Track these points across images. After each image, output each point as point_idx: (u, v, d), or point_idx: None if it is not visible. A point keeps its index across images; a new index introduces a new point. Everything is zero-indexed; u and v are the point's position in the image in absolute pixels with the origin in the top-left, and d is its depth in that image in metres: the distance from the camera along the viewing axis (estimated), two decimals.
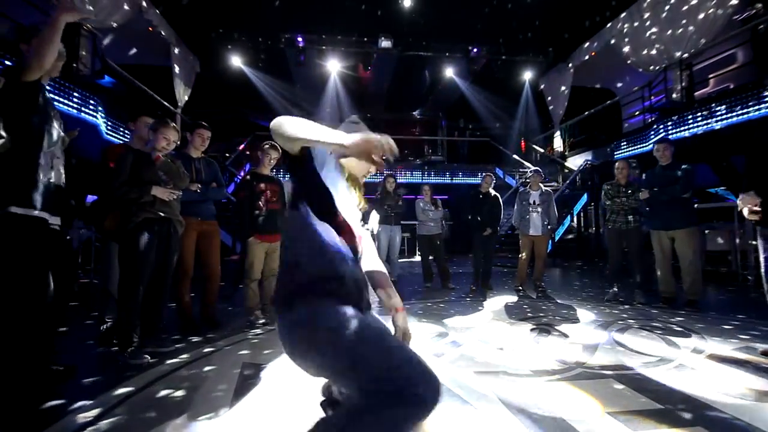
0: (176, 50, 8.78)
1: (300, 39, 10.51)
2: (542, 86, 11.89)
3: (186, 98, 9.42)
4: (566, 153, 11.00)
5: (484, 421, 1.57)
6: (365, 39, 10.90)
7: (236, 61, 11.10)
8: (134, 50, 8.56)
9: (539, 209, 4.66)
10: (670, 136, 6.67)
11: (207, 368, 2.18)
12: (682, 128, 6.45)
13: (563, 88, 10.83)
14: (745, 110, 5.50)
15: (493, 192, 5.08)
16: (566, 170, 10.27)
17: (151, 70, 8.78)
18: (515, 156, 12.14)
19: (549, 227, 4.74)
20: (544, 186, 4.95)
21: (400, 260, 5.91)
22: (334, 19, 10.12)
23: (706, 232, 6.25)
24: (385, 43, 10.62)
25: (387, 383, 0.91)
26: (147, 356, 2.28)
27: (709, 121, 5.99)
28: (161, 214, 2.45)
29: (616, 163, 4.38)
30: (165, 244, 2.49)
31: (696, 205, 3.89)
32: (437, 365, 2.22)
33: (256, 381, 1.99)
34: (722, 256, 6.18)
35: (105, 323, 2.68)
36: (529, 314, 3.60)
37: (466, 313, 3.65)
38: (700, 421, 1.54)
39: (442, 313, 3.63)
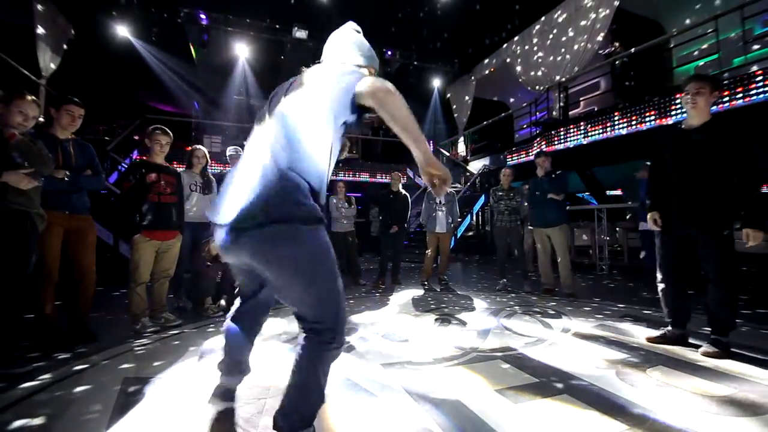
0: (40, 7, 7.25)
1: (203, 16, 9.57)
2: (449, 95, 12.79)
3: (53, 67, 7.85)
4: (468, 157, 12.00)
5: (388, 410, 1.62)
6: (277, 26, 10.41)
7: (122, 31, 9.64)
8: None
9: (444, 209, 5.01)
10: (548, 149, 7.74)
11: (76, 389, 1.85)
12: (559, 142, 7.54)
13: (467, 98, 11.80)
14: (603, 130, 6.67)
15: (403, 191, 5.31)
16: (468, 173, 11.20)
17: (5, 27, 7.12)
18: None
19: (452, 225, 5.12)
20: (449, 188, 5.33)
21: None
22: (244, 0, 9.45)
23: (574, 230, 7.43)
24: (300, 34, 10.30)
25: (328, 325, 1.18)
26: None
27: (578, 137, 7.12)
28: (14, 205, 2.01)
29: (502, 170, 4.97)
30: (19, 243, 2.05)
31: (567, 207, 4.54)
32: (345, 361, 2.24)
33: (140, 397, 1.76)
34: (585, 250, 7.44)
35: None
36: (432, 306, 3.85)
37: (375, 308, 3.74)
38: (566, 389, 1.82)
39: (353, 309, 3.66)
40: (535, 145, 8.32)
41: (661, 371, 2.05)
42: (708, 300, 2.33)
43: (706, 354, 2.25)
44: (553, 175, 4.32)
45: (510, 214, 4.72)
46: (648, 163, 2.93)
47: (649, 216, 2.60)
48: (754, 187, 2.21)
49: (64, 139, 2.62)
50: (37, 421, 1.54)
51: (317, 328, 1.18)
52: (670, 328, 2.54)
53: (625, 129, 6.24)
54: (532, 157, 8.47)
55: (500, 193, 4.82)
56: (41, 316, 2.49)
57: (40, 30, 7.31)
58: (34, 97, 2.17)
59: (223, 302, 3.56)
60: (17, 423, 1.52)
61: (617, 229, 7.32)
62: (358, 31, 1.46)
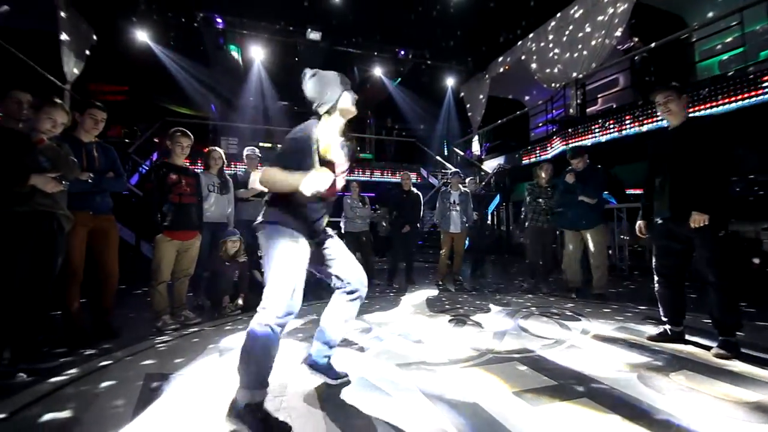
0: (63, 14, 7.50)
1: (219, 20, 9.73)
2: (462, 93, 12.67)
3: (77, 72, 8.11)
4: (483, 156, 11.87)
5: (404, 410, 1.62)
6: (291, 28, 10.50)
7: (142, 36, 9.89)
8: (5, 7, 7.10)
9: (458, 208, 4.97)
10: (565, 146, 7.60)
11: (101, 383, 1.91)
12: (576, 139, 7.39)
13: (481, 96, 11.67)
14: (623, 128, 6.51)
15: (414, 190, 5.30)
16: (482, 172, 11.09)
17: (31, 35, 7.38)
18: (438, 157, 12.77)
19: (467, 225, 5.08)
20: (463, 187, 5.29)
21: None
22: (258, 3, 9.56)
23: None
24: (314, 35, 10.35)
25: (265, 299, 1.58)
26: (22, 374, 1.93)
27: (597, 135, 6.96)
28: (41, 207, 2.09)
29: (541, 164, 4.70)
30: (46, 244, 2.12)
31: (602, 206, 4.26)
32: (361, 361, 2.25)
33: (162, 392, 1.80)
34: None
35: None
36: (447, 306, 3.82)
37: (388, 308, 3.74)
38: (586, 393, 1.79)
39: (366, 309, 3.67)
40: (553, 146, 8.18)
41: (686, 375, 1.99)
42: (710, 303, 2.36)
43: (717, 356, 2.25)
44: (589, 173, 4.08)
45: (546, 214, 4.51)
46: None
47: (638, 224, 2.75)
48: (721, 181, 2.34)
49: (88, 142, 2.71)
50: (65, 414, 1.60)
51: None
52: (668, 326, 2.61)
53: (646, 126, 6.08)
54: (547, 156, 8.38)
55: (537, 191, 4.60)
56: (67, 313, 2.58)
57: (64, 36, 7.57)
58: (63, 104, 2.25)
59: (240, 301, 3.61)
60: (46, 416, 1.58)
61: None
62: (314, 75, 1.81)
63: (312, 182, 1.47)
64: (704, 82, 5.57)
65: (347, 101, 1.82)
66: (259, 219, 1.69)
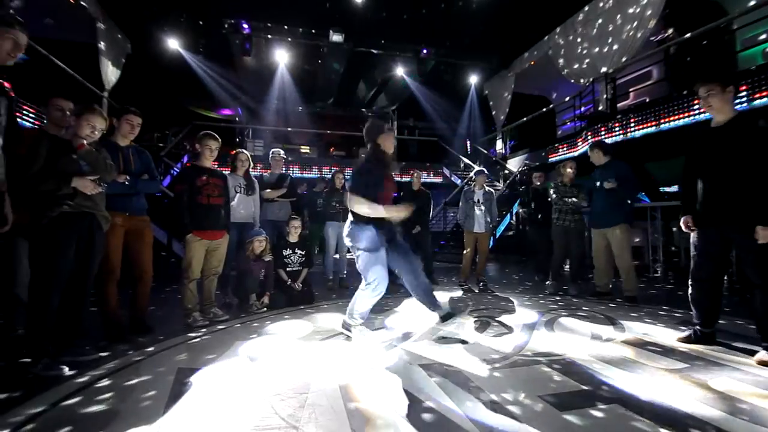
0: (102, 26, 7.91)
1: (245, 26, 9.98)
2: (486, 91, 12.45)
3: (114, 80, 8.54)
4: (507, 155, 11.63)
5: (427, 412, 1.61)
6: (314, 31, 10.63)
7: (173, 44, 10.29)
8: (48, 20, 7.57)
9: (482, 207, 4.88)
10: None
11: (136, 377, 2.01)
12: (606, 136, 7.12)
13: (505, 93, 11.43)
14: (656, 123, 6.21)
15: (424, 189, 5.26)
16: (506, 171, 10.87)
17: (73, 46, 7.83)
18: (462, 156, 12.61)
19: (491, 225, 4.99)
20: (487, 186, 5.20)
21: (348, 256, 5.86)
22: (282, 7, 9.74)
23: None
24: (336, 37, 10.42)
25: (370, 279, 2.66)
26: (64, 367, 2.05)
27: (629, 130, 6.68)
28: (82, 208, 2.21)
29: (564, 162, 4.59)
30: (86, 243, 2.24)
31: (630, 203, 4.07)
32: (384, 361, 2.25)
33: (193, 387, 1.87)
34: (637, 251, 6.95)
35: (15, 331, 2.36)
36: (471, 308, 3.77)
37: (412, 309, 3.72)
38: (617, 399, 1.72)
39: (391, 309, 3.68)
40: (581, 142, 7.92)
41: (726, 382, 1.88)
42: (755, 306, 2.23)
43: (760, 363, 2.12)
44: (609, 166, 3.97)
45: (573, 213, 4.44)
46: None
47: (682, 219, 2.53)
48: None
49: (124, 146, 2.85)
50: (101, 406, 1.68)
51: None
52: (698, 327, 2.51)
53: (682, 120, 5.78)
54: (575, 153, 8.11)
55: (563, 189, 4.52)
56: (105, 309, 2.71)
57: (101, 46, 7.98)
58: (102, 111, 2.37)
59: (266, 299, 3.69)
60: (84, 408, 1.67)
61: (673, 228, 6.78)
62: (369, 122, 2.83)
63: (395, 212, 2.61)
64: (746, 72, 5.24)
65: (386, 139, 2.73)
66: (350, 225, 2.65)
